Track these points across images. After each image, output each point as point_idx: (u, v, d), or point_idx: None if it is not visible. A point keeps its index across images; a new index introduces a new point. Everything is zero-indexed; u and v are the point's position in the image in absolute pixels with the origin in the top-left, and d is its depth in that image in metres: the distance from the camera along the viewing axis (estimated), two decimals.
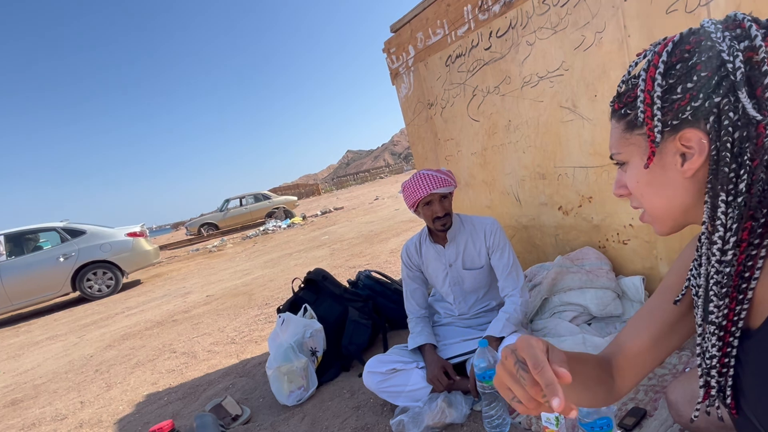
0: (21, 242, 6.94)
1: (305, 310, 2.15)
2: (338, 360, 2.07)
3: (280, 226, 12.15)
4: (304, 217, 13.15)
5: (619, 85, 0.60)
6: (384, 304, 2.35)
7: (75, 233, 7.19)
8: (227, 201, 16.11)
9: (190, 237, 16.32)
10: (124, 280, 8.00)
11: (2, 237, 6.73)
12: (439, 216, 1.64)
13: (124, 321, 4.63)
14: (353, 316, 2.15)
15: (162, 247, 14.86)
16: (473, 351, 1.66)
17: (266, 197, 16.16)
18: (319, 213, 13.85)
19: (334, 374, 2.03)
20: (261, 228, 12.49)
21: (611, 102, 0.62)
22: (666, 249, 1.74)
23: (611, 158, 0.64)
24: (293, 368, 1.82)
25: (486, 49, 2.26)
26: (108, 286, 7.25)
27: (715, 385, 0.57)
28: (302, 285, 2.41)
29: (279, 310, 2.27)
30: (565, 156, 2.02)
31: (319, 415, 1.77)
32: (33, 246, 7.13)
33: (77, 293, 7.08)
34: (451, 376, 1.60)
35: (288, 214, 14.39)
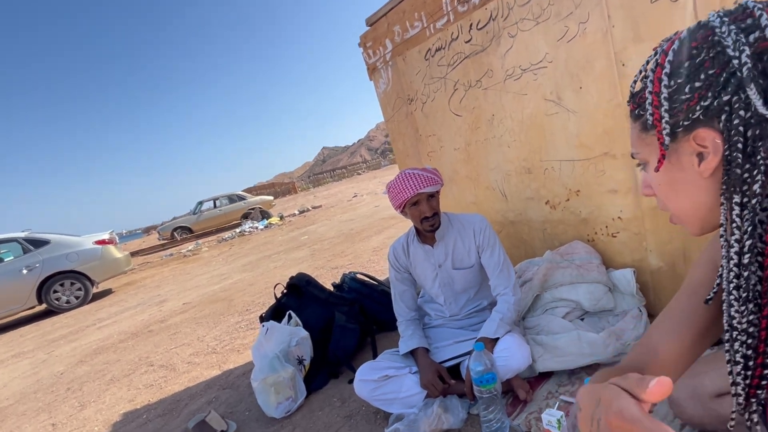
0: None
1: (289, 317, 2.06)
2: (326, 367, 1.99)
3: (257, 227, 11.90)
4: (281, 217, 12.93)
5: (632, 84, 0.56)
6: (371, 307, 2.28)
7: (38, 243, 6.83)
8: (200, 203, 15.69)
9: (162, 242, 15.83)
10: (95, 290, 7.67)
11: None
12: (427, 216, 1.59)
13: (95, 334, 4.41)
14: (340, 321, 2.08)
15: (134, 254, 14.34)
16: (467, 353, 1.61)
17: (241, 198, 15.82)
18: (296, 212, 13.65)
19: (323, 382, 1.96)
20: (237, 230, 12.21)
21: (627, 101, 0.57)
22: (656, 241, 1.73)
23: (632, 157, 0.59)
24: (280, 379, 1.74)
25: (467, 42, 2.20)
26: (77, 297, 6.92)
27: (741, 393, 0.54)
28: (285, 291, 2.32)
29: (262, 319, 2.18)
30: (550, 149, 1.99)
31: (309, 426, 1.70)
32: None
33: (44, 306, 6.73)
34: (446, 380, 1.55)
35: (264, 215, 14.12)
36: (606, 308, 1.77)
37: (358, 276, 2.47)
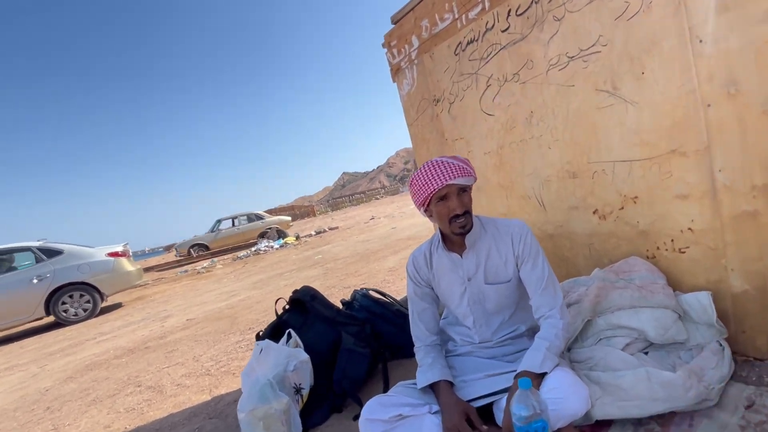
0: None
1: (289, 336, 1.76)
2: (329, 398, 1.67)
3: (272, 246, 11.73)
4: (297, 237, 12.75)
5: None
6: (384, 328, 1.97)
7: (51, 253, 6.75)
8: (219, 221, 15.72)
9: (179, 258, 15.82)
10: (105, 304, 7.52)
11: None
12: (457, 214, 1.29)
13: (93, 348, 4.17)
14: (347, 344, 1.77)
15: (149, 269, 14.34)
16: (503, 390, 1.28)
17: (259, 217, 15.80)
18: (313, 233, 13.46)
19: (323, 416, 1.64)
20: (252, 248, 12.06)
21: None
22: (740, 257, 1.39)
23: None
24: (271, 411, 1.43)
25: (503, 31, 1.96)
26: (85, 310, 6.76)
27: None
28: (287, 306, 2.03)
29: (258, 337, 1.88)
30: (602, 149, 1.69)
31: None
32: (6, 267, 6.65)
33: (51, 318, 6.58)
34: (476, 424, 1.21)
35: (281, 234, 13.99)
36: (676, 340, 1.41)
37: (371, 293, 2.17)
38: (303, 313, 1.95)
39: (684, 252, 1.53)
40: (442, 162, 1.28)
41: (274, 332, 1.90)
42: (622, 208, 1.68)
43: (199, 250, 15.31)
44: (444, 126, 2.46)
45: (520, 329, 1.47)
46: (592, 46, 1.63)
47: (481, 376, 1.35)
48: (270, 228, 14.61)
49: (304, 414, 1.59)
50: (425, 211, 1.38)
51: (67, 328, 6.11)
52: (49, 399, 2.86)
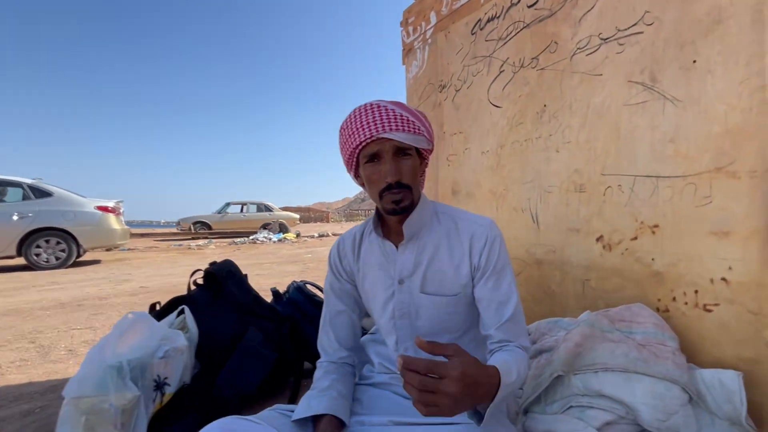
0: None
1: (180, 313, 1.38)
2: (203, 407, 1.26)
3: (270, 239, 11.43)
4: (297, 235, 12.44)
5: None
6: (310, 332, 1.57)
7: (41, 193, 6.54)
8: (227, 204, 15.59)
9: (179, 232, 15.66)
10: (83, 258, 7.27)
11: None
12: (389, 183, 0.90)
13: (32, 295, 3.84)
14: (251, 341, 1.37)
15: (145, 236, 14.18)
16: None
17: (268, 208, 15.61)
18: (316, 234, 13.15)
19: (187, 428, 1.22)
20: (250, 236, 11.78)
21: None
22: None
23: None
24: (102, 406, 1.04)
25: (530, 6, 1.61)
26: (57, 258, 6.48)
27: None
28: (198, 281, 1.65)
29: (152, 309, 1.51)
30: (622, 158, 1.30)
31: None
32: None
33: (21, 259, 6.32)
34: None
35: (282, 229, 13.70)
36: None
37: (308, 286, 1.77)
38: (215, 293, 1.57)
39: (711, 310, 1.11)
40: (378, 106, 0.90)
41: (173, 307, 1.52)
42: (636, 238, 1.28)
43: (200, 228, 15.14)
44: (444, 116, 2.11)
45: None
46: (634, 25, 1.26)
47: (386, 421, 0.93)
48: (274, 221, 14.36)
49: (159, 420, 1.18)
50: (355, 176, 1.00)
51: (27, 272, 5.84)
52: None
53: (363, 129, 0.88)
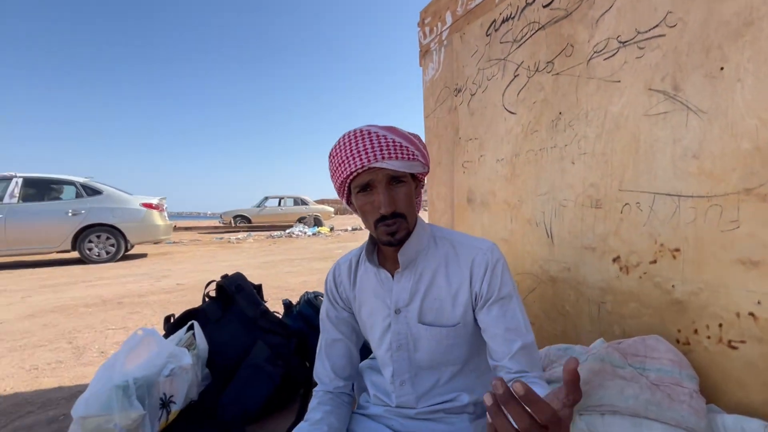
0: (38, 189, 6.77)
1: (190, 328, 1.42)
2: (208, 425, 1.29)
3: (305, 232, 11.67)
4: (331, 229, 12.62)
5: None
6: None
7: (92, 191, 7.00)
8: (266, 198, 16.08)
9: (222, 225, 16.32)
10: (131, 251, 7.71)
11: (21, 180, 6.60)
12: (383, 216, 0.87)
13: (79, 291, 4.12)
14: (257, 357, 1.39)
15: (189, 229, 14.85)
16: None
17: (304, 202, 15.96)
18: (349, 228, 13.28)
19: None
20: (287, 230, 12.08)
21: None
22: None
23: None
24: (108, 426, 1.08)
25: (545, 6, 1.51)
26: (108, 253, 6.94)
27: None
28: (210, 294, 1.68)
29: (167, 321, 1.56)
30: (641, 173, 1.19)
31: None
32: (50, 195, 6.93)
33: (76, 253, 6.80)
34: None
35: (317, 223, 13.95)
36: None
37: (319, 299, 1.77)
38: (225, 306, 1.60)
39: (736, 347, 1.00)
40: (369, 133, 0.86)
41: (185, 320, 1.57)
42: (655, 261, 1.17)
43: (241, 221, 15.70)
44: (460, 121, 2.03)
45: (461, 400, 0.99)
46: (656, 27, 1.14)
47: None
48: (310, 214, 14.65)
49: None
50: (348, 203, 0.97)
51: (79, 265, 6.25)
52: None
53: (354, 158, 0.84)
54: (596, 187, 1.33)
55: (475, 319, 0.95)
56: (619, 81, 1.25)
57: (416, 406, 0.99)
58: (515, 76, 1.67)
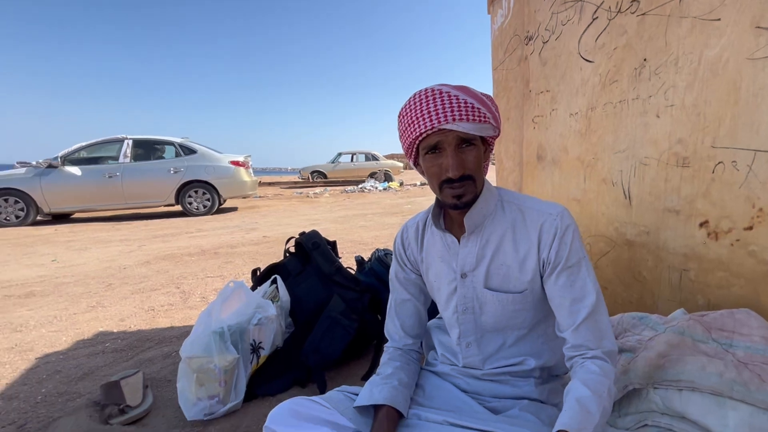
0: (145, 149, 7.59)
1: (273, 282, 1.57)
2: (294, 368, 1.45)
3: (376, 187, 11.90)
4: (401, 184, 12.70)
5: None
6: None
7: (188, 151, 7.69)
8: (339, 155, 16.49)
9: (300, 180, 17.17)
10: (224, 205, 8.45)
11: (132, 141, 7.43)
12: (450, 178, 0.85)
13: (183, 241, 4.68)
14: (333, 310, 1.51)
15: (272, 184, 15.83)
16: None
17: (375, 158, 16.15)
18: (418, 183, 13.27)
19: (281, 388, 1.41)
20: (359, 185, 12.39)
21: None
22: None
23: None
24: (209, 366, 1.27)
25: None
26: (205, 206, 7.70)
27: None
28: (290, 250, 1.82)
29: (254, 273, 1.73)
30: (741, 128, 1.04)
31: None
32: (155, 155, 7.73)
33: (179, 206, 7.64)
34: None
35: (387, 178, 14.10)
36: None
37: (389, 257, 1.85)
38: (304, 261, 1.74)
39: None
40: (441, 93, 0.83)
41: (270, 274, 1.74)
42: (751, 227, 1.05)
43: (317, 177, 16.38)
44: (531, 72, 1.89)
45: (527, 364, 0.99)
46: None
47: (441, 420, 0.94)
48: (380, 170, 14.81)
49: (257, 379, 1.41)
50: (415, 164, 0.97)
51: (182, 218, 7.03)
52: (119, 276, 3.27)
53: (423, 119, 0.83)
54: (684, 144, 1.19)
55: (543, 286, 0.93)
56: (719, 19, 1.07)
57: (482, 368, 1.01)
58: (594, 19, 1.50)
